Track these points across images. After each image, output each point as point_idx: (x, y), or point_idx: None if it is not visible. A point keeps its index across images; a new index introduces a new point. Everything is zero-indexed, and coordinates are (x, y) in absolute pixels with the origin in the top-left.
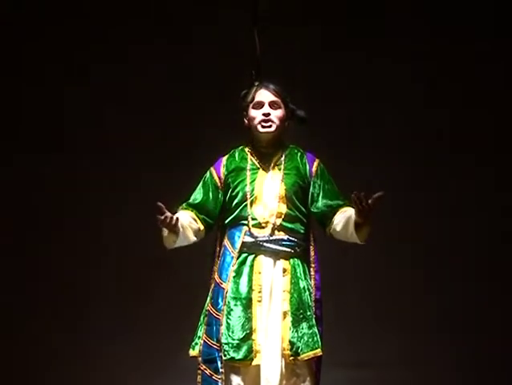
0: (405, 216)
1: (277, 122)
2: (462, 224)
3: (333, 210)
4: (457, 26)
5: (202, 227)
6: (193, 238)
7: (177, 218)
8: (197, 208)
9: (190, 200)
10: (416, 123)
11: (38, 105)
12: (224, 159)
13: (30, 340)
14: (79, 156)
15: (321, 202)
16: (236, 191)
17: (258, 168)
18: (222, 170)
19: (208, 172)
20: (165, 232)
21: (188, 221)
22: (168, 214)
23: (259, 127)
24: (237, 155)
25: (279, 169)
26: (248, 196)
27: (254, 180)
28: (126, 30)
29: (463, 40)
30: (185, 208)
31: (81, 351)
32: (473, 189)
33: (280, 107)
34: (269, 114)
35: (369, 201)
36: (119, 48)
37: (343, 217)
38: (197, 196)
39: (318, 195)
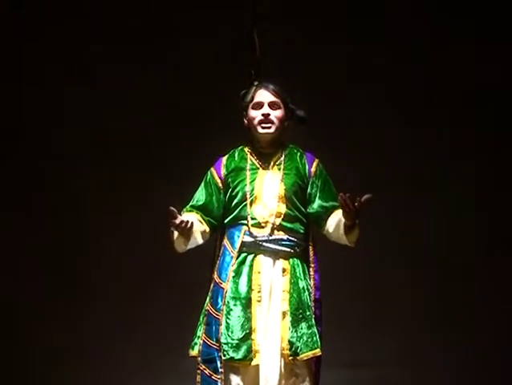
0: (405, 216)
1: (276, 122)
2: (462, 225)
3: (328, 211)
4: (457, 26)
5: (208, 229)
6: (200, 240)
7: (192, 222)
8: (202, 209)
9: (194, 202)
10: (416, 123)
11: (38, 105)
12: (224, 159)
13: (31, 341)
14: (79, 156)
15: (317, 203)
16: (236, 191)
17: (258, 168)
18: (223, 170)
19: (209, 173)
20: (176, 236)
21: (196, 224)
22: (184, 218)
23: (259, 127)
24: (236, 155)
25: (279, 169)
26: (248, 196)
27: (254, 179)
28: (126, 30)
29: (463, 40)
30: (190, 211)
31: (82, 352)
32: (473, 189)
33: (280, 108)
34: (268, 114)
35: (355, 204)
36: (119, 48)
37: (336, 219)
38: (200, 197)
39: (315, 196)
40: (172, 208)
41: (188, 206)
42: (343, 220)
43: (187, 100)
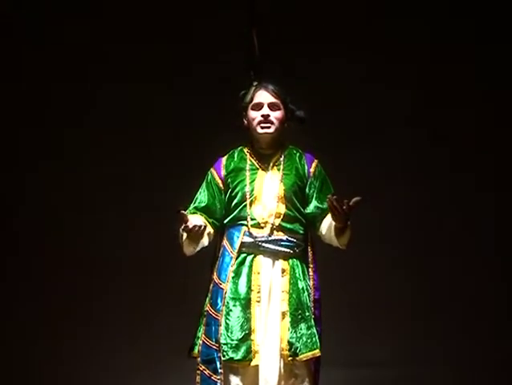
0: (405, 216)
1: (276, 123)
2: (463, 225)
3: (323, 213)
4: (458, 26)
5: (212, 230)
6: (206, 243)
7: (205, 226)
8: (205, 211)
9: (196, 204)
10: (417, 123)
11: (38, 105)
12: (223, 159)
13: (31, 342)
14: (79, 157)
15: (313, 204)
16: (235, 191)
17: (258, 169)
18: (223, 171)
19: (209, 174)
20: (185, 239)
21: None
22: (197, 222)
23: (258, 128)
24: (236, 155)
25: (278, 169)
26: (247, 197)
27: (254, 180)
28: (126, 31)
29: (461, 41)
30: (194, 212)
31: (84, 352)
32: (473, 190)
33: (279, 109)
34: (268, 115)
35: (344, 207)
36: (119, 48)
37: (329, 221)
38: (203, 198)
39: (312, 196)
40: (182, 211)
41: (191, 208)
42: (333, 222)
43: (187, 100)
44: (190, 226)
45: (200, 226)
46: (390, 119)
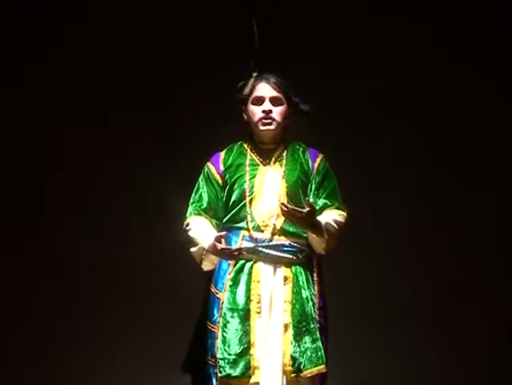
0: (408, 220)
1: (278, 119)
2: (467, 228)
3: (318, 211)
4: (457, 27)
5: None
6: None
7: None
8: (208, 211)
9: (199, 203)
10: (418, 123)
11: (38, 105)
12: (222, 153)
13: (30, 343)
14: (79, 157)
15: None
16: (234, 188)
17: (258, 165)
18: (221, 166)
19: (206, 169)
20: (204, 257)
21: (212, 232)
22: (237, 247)
23: (260, 124)
24: (235, 149)
25: (281, 165)
26: (247, 194)
27: (254, 176)
28: (126, 31)
29: (461, 43)
30: (199, 214)
31: (81, 361)
32: (473, 188)
33: (282, 103)
34: (270, 111)
35: (295, 212)
36: (119, 49)
37: None
38: (204, 196)
39: (311, 192)
40: (219, 234)
41: (193, 207)
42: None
43: (187, 100)
44: (236, 253)
45: (241, 249)
46: (391, 117)
